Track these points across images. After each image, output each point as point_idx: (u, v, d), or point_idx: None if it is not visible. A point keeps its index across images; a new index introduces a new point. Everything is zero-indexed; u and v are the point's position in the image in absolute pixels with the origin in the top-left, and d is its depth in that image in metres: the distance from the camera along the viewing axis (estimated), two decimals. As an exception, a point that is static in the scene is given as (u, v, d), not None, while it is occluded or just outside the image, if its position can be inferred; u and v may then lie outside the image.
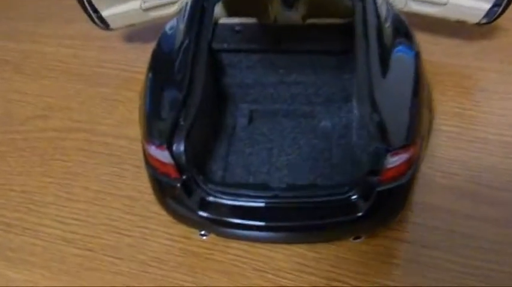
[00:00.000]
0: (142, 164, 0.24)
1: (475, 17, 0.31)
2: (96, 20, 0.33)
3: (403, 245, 0.22)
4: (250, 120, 0.22)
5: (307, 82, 0.22)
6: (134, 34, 0.36)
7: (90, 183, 0.26)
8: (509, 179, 0.24)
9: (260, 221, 0.18)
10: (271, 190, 0.18)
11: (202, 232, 0.19)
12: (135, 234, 0.23)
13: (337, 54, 0.21)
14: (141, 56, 0.35)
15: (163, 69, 0.21)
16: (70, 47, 0.38)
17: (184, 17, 0.22)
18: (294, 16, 0.23)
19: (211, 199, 0.18)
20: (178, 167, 0.18)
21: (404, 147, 0.17)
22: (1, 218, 0.25)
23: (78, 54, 0.37)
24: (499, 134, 0.26)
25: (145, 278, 0.21)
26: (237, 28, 0.22)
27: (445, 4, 0.31)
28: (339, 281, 0.20)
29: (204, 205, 0.18)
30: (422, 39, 0.33)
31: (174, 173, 0.18)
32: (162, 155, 0.18)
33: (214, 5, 0.21)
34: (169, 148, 0.18)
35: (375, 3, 0.21)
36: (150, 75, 0.21)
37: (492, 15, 0.30)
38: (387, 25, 0.22)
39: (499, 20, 0.30)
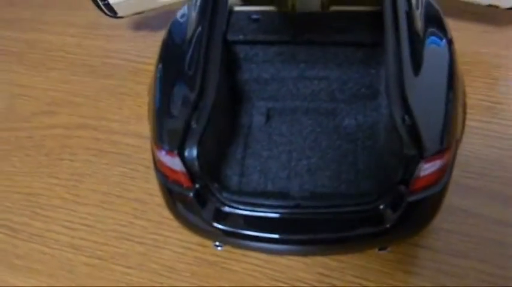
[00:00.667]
0: (152, 164, 0.23)
1: (509, 1, 0.29)
2: (103, 7, 0.32)
3: (430, 253, 0.20)
4: (268, 119, 0.21)
5: (331, 77, 0.20)
6: (142, 22, 0.35)
7: (99, 185, 0.25)
8: None
9: (280, 233, 0.17)
10: (292, 199, 0.17)
11: (217, 243, 0.19)
12: (146, 241, 0.22)
13: (364, 47, 0.20)
14: (150, 45, 0.34)
15: (174, 62, 0.20)
16: (75, 36, 0.37)
17: (196, 3, 0.21)
18: (314, 1, 0.21)
19: (226, 209, 0.17)
20: (191, 175, 0.17)
21: (439, 153, 0.16)
22: (6, 222, 0.24)
23: (84, 43, 0.36)
24: None
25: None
26: (253, 17, 0.21)
27: (476, -14, 0.29)
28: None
29: (219, 216, 0.17)
30: (452, 26, 0.32)
31: (186, 182, 0.17)
32: (173, 162, 0.17)
33: None
34: (181, 154, 0.16)
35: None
36: (159, 68, 0.20)
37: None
38: (419, 12, 0.20)
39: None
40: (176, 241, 0.22)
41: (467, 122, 0.26)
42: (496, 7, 0.29)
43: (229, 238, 0.17)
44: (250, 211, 0.17)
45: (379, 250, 0.18)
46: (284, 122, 0.20)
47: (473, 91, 0.28)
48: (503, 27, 0.31)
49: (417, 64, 0.18)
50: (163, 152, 0.17)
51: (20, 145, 0.28)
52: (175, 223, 0.21)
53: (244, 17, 0.21)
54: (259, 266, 0.20)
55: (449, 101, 0.17)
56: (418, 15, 0.20)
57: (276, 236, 0.17)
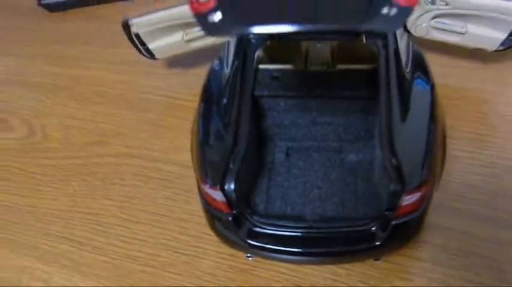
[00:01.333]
0: (191, 188, 0.29)
1: (492, 46, 0.34)
2: (143, 51, 0.38)
3: (418, 263, 0.26)
4: (287, 156, 0.26)
5: (337, 123, 0.26)
6: (175, 60, 0.40)
7: (147, 206, 0.31)
8: None
9: (297, 248, 0.22)
10: (306, 222, 0.23)
11: (249, 255, 0.24)
12: (189, 252, 0.28)
13: (363, 100, 0.26)
14: (182, 82, 0.40)
15: (213, 109, 0.25)
16: (116, 73, 0.42)
17: (227, 60, 0.26)
18: (324, 48, 0.27)
19: (257, 229, 0.23)
20: (229, 203, 0.22)
21: (417, 187, 0.21)
22: (74, 237, 0.30)
23: (124, 79, 0.42)
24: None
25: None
26: (274, 74, 0.27)
27: (464, 34, 0.34)
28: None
29: (251, 235, 0.23)
30: (441, 62, 0.37)
31: (226, 209, 0.23)
32: (216, 194, 0.22)
33: (255, 51, 0.25)
34: (222, 188, 0.22)
35: (396, 48, 0.25)
36: (201, 113, 0.25)
37: (508, 44, 0.33)
38: (407, 68, 0.25)
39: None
40: (213, 252, 0.27)
41: (454, 152, 0.31)
42: (482, 49, 0.35)
43: (258, 251, 0.23)
44: (274, 230, 0.23)
45: (375, 260, 0.24)
46: (300, 158, 0.26)
47: (463, 124, 0.33)
48: (492, 64, 0.36)
49: (404, 112, 0.23)
50: (207, 186, 0.23)
51: (78, 172, 0.34)
52: (212, 238, 0.26)
53: (267, 75, 0.26)
54: (283, 273, 0.26)
55: (429, 143, 0.23)
56: (407, 71, 0.25)
57: (294, 249, 0.22)
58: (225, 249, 0.26)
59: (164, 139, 0.35)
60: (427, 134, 0.23)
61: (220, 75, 0.26)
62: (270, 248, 0.22)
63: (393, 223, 0.21)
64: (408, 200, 0.21)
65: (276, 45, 0.26)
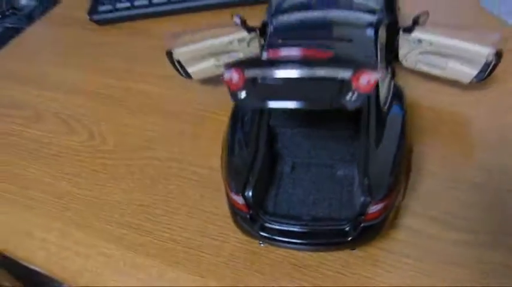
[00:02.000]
0: (219, 188, 0.38)
1: (467, 79, 0.42)
2: (182, 73, 0.47)
3: (387, 254, 0.35)
4: (293, 169, 0.36)
5: (330, 147, 0.35)
6: (208, 78, 0.50)
7: (185, 201, 0.40)
8: (475, 213, 0.36)
9: (295, 239, 0.32)
10: (302, 220, 0.32)
11: (261, 242, 0.34)
12: (217, 238, 0.38)
13: (350, 131, 0.35)
14: (214, 97, 0.49)
15: (238, 132, 0.35)
16: (159, 86, 0.52)
17: None
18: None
19: (267, 224, 0.32)
20: (248, 206, 0.32)
21: (381, 199, 0.30)
22: (130, 223, 0.40)
23: (165, 93, 0.51)
24: (472, 176, 0.38)
25: (227, 267, 0.36)
26: (285, 110, 0.36)
27: (444, 68, 0.43)
28: (343, 273, 0.34)
29: (263, 229, 0.32)
30: (428, 87, 0.45)
31: (245, 209, 0.32)
32: (239, 199, 0.32)
33: None
34: (243, 195, 0.32)
35: (377, 93, 0.34)
36: (229, 133, 0.35)
37: (480, 78, 0.41)
38: (386, 104, 0.34)
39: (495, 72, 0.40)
40: (234, 239, 0.36)
41: (426, 166, 0.39)
42: (458, 81, 0.43)
43: (268, 240, 0.33)
44: (279, 226, 0.32)
45: (351, 250, 0.34)
46: (302, 171, 0.35)
47: (437, 144, 0.40)
48: (469, 91, 0.45)
49: (378, 140, 0.32)
50: (233, 193, 0.32)
51: (130, 171, 0.44)
52: (234, 228, 0.36)
53: (280, 111, 0.36)
54: (285, 256, 0.36)
55: (394, 166, 0.32)
56: (385, 105, 0.34)
57: (293, 240, 0.32)
58: (243, 237, 0.36)
59: (199, 146, 0.44)
60: (393, 158, 0.32)
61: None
62: (276, 239, 0.32)
63: (362, 225, 0.31)
64: (374, 209, 0.30)
65: None
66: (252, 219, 0.32)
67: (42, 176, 0.46)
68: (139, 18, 0.61)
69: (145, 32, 0.60)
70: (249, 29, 0.43)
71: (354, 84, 0.25)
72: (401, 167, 0.33)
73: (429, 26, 0.42)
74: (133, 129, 0.48)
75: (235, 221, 0.34)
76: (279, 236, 0.32)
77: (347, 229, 0.31)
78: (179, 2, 0.59)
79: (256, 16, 0.45)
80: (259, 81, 0.26)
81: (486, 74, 0.40)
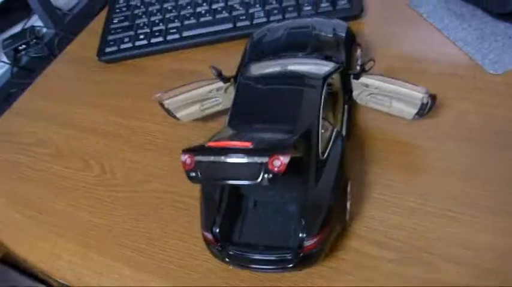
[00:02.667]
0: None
1: (409, 117, 0.51)
2: (172, 116, 0.58)
3: (333, 272, 0.45)
4: (255, 205, 0.46)
5: (281, 189, 0.45)
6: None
7: (177, 226, 0.51)
8: (409, 235, 0.45)
9: (253, 264, 0.42)
10: (259, 249, 0.42)
11: (229, 266, 0.45)
12: (200, 258, 0.49)
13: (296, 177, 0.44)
14: (203, 133, 0.60)
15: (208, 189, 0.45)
16: (158, 124, 0.62)
17: None
18: None
19: (231, 253, 0.43)
20: (216, 239, 0.43)
21: (315, 235, 0.40)
22: (136, 246, 0.51)
23: (164, 130, 0.61)
24: (411, 202, 0.46)
25: (208, 282, 0.47)
26: None
27: (390, 107, 0.51)
28: (301, 285, 0.44)
29: (229, 256, 0.42)
30: (380, 117, 0.54)
31: (214, 243, 0.43)
32: (208, 235, 0.42)
33: None
34: (211, 232, 0.42)
35: (317, 143, 0.43)
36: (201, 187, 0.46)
37: (421, 115, 0.50)
38: (327, 151, 0.44)
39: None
40: (214, 259, 0.48)
41: (370, 194, 0.47)
42: (401, 118, 0.51)
43: (234, 265, 0.43)
44: (241, 254, 0.42)
45: (299, 271, 0.44)
46: (262, 208, 0.45)
47: (382, 172, 0.48)
48: (417, 121, 0.53)
49: (317, 182, 0.42)
50: (204, 230, 0.43)
51: (135, 202, 0.54)
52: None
53: None
54: (250, 273, 0.46)
55: (330, 203, 0.41)
56: (324, 154, 0.43)
57: (252, 265, 0.42)
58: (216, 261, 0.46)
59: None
60: (328, 198, 0.41)
61: None
62: (240, 264, 0.43)
63: (301, 254, 0.41)
64: (309, 242, 0.40)
65: None
66: (220, 249, 0.43)
67: (66, 206, 0.57)
68: (140, 56, 0.71)
69: (145, 69, 0.70)
70: (224, 79, 0.53)
71: (270, 167, 0.34)
72: (337, 205, 0.42)
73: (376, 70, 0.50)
74: (136, 164, 0.59)
75: (209, 249, 0.44)
76: (241, 262, 0.42)
77: (289, 257, 0.41)
78: (174, 41, 0.69)
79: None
80: (205, 163, 0.36)
81: (425, 111, 0.49)
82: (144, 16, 0.70)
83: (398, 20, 0.65)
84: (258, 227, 0.44)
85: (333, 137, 0.44)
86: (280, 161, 0.34)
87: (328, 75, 0.48)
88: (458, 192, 0.46)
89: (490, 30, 0.60)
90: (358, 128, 0.54)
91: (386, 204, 0.47)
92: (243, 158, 0.35)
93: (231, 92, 0.54)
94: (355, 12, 0.65)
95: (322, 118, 0.45)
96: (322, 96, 0.45)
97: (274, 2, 0.65)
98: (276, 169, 0.34)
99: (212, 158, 0.35)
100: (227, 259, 0.42)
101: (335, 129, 0.45)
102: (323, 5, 0.65)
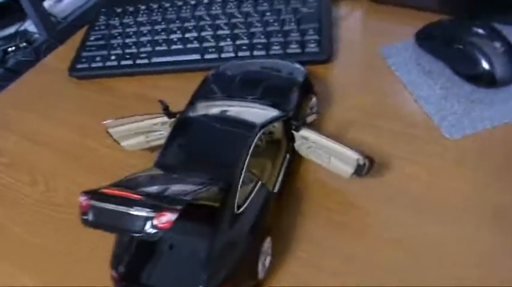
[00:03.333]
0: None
1: (346, 175, 0.50)
2: (119, 144, 0.59)
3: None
4: (170, 248, 0.46)
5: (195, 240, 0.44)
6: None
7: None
8: None
9: None
10: None
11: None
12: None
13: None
14: (150, 163, 0.61)
15: None
16: (109, 148, 0.60)
17: None
18: None
19: None
20: (121, 278, 0.42)
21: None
22: (65, 270, 0.52)
23: (113, 155, 0.59)
24: (337, 265, 0.45)
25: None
26: None
27: (328, 162, 0.51)
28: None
29: None
30: (323, 169, 0.53)
31: (119, 281, 0.43)
32: (113, 273, 0.42)
33: None
34: (116, 270, 0.42)
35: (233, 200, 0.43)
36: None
37: (359, 175, 0.49)
38: (244, 205, 0.43)
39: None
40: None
41: (299, 251, 0.46)
42: (339, 175, 0.51)
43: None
44: None
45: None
46: (176, 251, 0.45)
47: (314, 229, 0.49)
48: (357, 179, 0.52)
49: (230, 230, 0.41)
50: (111, 268, 0.43)
51: (72, 225, 0.56)
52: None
53: None
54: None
55: (239, 256, 0.41)
56: (240, 209, 0.43)
57: None
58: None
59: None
60: (237, 252, 0.41)
61: None
62: None
63: None
64: None
65: None
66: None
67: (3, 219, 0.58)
68: (110, 76, 0.72)
69: (113, 90, 0.71)
70: (170, 115, 0.54)
71: (155, 222, 0.35)
72: (247, 260, 0.42)
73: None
74: (80, 187, 0.59)
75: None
76: None
77: None
78: (143, 65, 0.70)
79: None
80: (98, 208, 0.37)
81: (363, 173, 0.48)
82: (119, 37, 0.71)
83: (365, 69, 0.64)
84: (168, 272, 0.44)
85: (255, 190, 0.44)
86: (167, 218, 0.34)
87: (266, 124, 0.48)
88: (385, 261, 0.45)
89: (455, 91, 0.59)
90: (299, 179, 0.54)
91: (309, 262, 0.46)
92: (132, 209, 0.35)
93: (177, 127, 0.55)
94: (323, 57, 0.65)
95: (248, 170, 0.45)
96: (251, 147, 0.45)
97: (244, 38, 0.65)
98: (160, 225, 0.34)
99: (104, 205, 0.36)
100: (131, 299, 0.42)
101: (259, 182, 0.45)
102: (292, 46, 0.65)
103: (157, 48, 0.68)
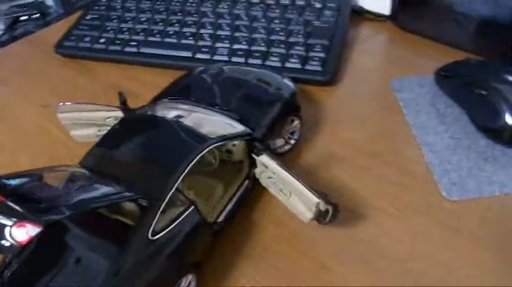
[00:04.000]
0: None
1: (305, 219, 0.41)
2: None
3: None
4: (77, 262, 0.39)
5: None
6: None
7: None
8: None
9: None
10: None
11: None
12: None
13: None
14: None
15: None
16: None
17: None
18: None
19: None
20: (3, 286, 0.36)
21: None
22: None
23: (70, 145, 0.57)
24: None
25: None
26: None
27: (288, 200, 0.43)
28: None
29: None
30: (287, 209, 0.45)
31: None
32: None
33: None
34: (1, 277, 0.35)
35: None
36: None
37: (319, 222, 0.40)
38: (158, 237, 0.36)
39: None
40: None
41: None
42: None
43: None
44: None
45: None
46: (83, 267, 0.38)
47: (253, 274, 0.40)
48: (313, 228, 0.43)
49: (139, 258, 0.34)
50: None
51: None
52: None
53: None
54: None
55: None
56: (162, 232, 0.35)
57: None
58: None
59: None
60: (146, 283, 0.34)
61: None
62: None
63: None
64: None
65: None
66: None
67: None
68: (96, 59, 0.67)
69: (94, 74, 0.66)
70: (125, 110, 0.47)
71: (14, 233, 0.27)
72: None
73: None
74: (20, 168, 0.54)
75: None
76: None
77: None
78: (130, 54, 0.64)
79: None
80: None
81: (325, 220, 0.40)
82: (115, 20, 0.66)
83: (369, 100, 0.56)
84: (66, 284, 0.37)
85: (182, 217, 0.37)
86: (25, 230, 0.27)
87: (219, 140, 0.40)
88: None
89: (468, 143, 0.50)
90: (257, 211, 0.46)
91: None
92: None
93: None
94: (325, 78, 0.57)
95: (183, 190, 0.38)
96: (191, 163, 0.38)
97: (244, 43, 0.59)
98: (18, 239, 0.27)
99: None
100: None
101: (191, 207, 0.38)
102: (292, 60, 0.58)
103: (150, 38, 0.63)
